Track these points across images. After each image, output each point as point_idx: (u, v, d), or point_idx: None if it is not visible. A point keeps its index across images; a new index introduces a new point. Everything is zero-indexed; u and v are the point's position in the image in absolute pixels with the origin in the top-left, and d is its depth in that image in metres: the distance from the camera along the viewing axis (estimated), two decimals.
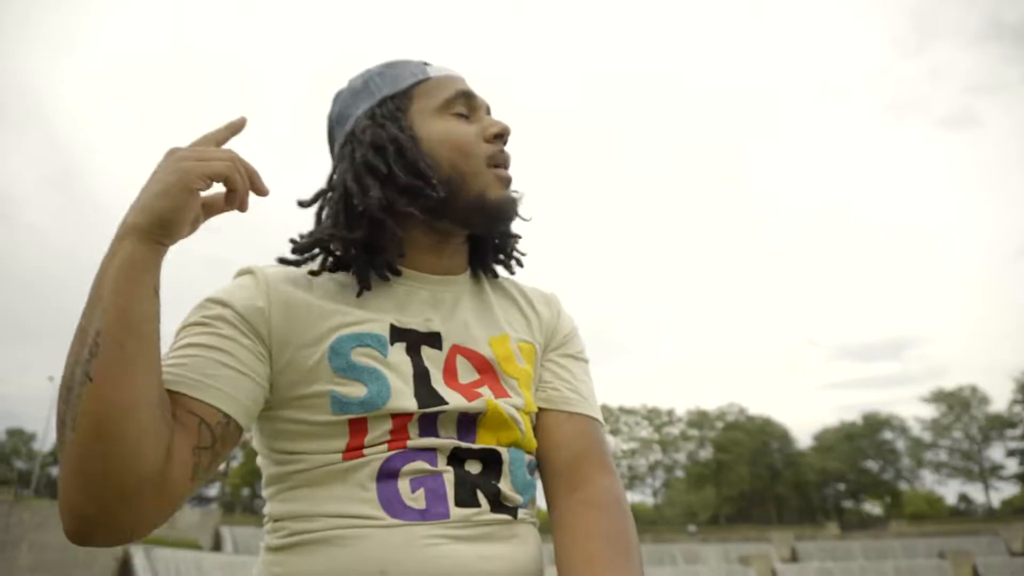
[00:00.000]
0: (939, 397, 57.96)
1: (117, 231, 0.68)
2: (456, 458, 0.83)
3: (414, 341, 0.88)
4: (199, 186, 0.70)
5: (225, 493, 43.81)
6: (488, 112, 0.97)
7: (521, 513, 0.87)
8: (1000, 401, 59.53)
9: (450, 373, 0.89)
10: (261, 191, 0.77)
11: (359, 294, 0.87)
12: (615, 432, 62.51)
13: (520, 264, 1.04)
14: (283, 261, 0.91)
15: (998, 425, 54.86)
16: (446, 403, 0.84)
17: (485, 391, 0.88)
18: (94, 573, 12.67)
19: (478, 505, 0.81)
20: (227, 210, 0.77)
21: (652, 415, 62.72)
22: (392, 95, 0.92)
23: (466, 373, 0.90)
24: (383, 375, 0.82)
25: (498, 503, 0.84)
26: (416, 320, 0.89)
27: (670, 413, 62.55)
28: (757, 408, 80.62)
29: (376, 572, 0.74)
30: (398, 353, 0.85)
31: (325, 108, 1.01)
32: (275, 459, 0.85)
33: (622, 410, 62.77)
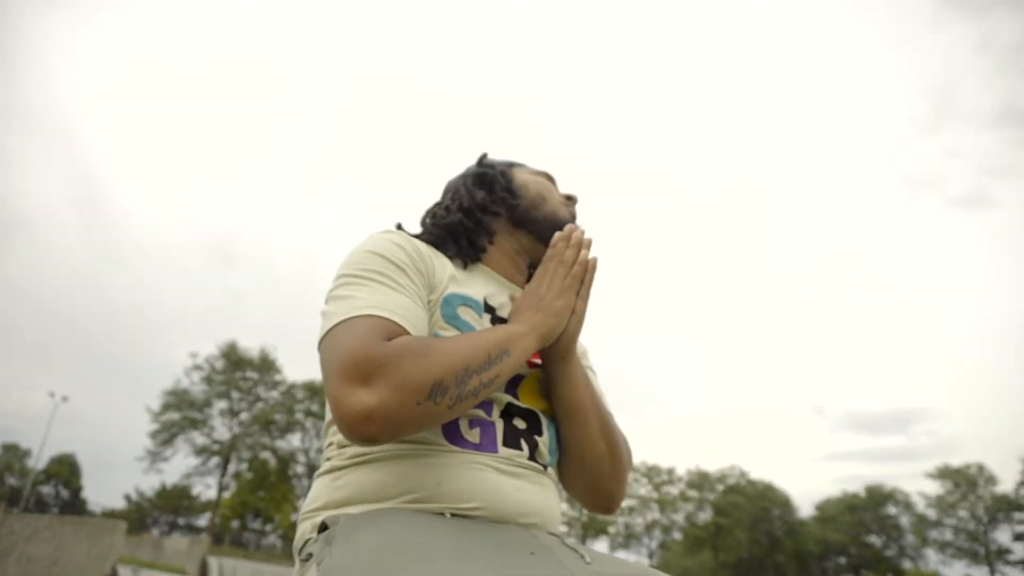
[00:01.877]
0: (945, 473, 56.80)
1: (523, 328, 0.98)
2: (508, 412, 1.01)
3: (497, 318, 1.09)
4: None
5: (215, 524, 43.17)
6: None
7: (549, 471, 1.05)
8: (1008, 482, 58.23)
9: None
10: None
11: (464, 267, 1.14)
12: None
13: None
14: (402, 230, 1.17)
15: (1005, 507, 53.52)
16: None
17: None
18: None
19: (521, 449, 0.99)
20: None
21: (652, 473, 61.69)
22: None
23: None
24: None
25: (534, 455, 1.01)
26: (497, 303, 1.12)
27: (670, 472, 61.51)
28: (759, 472, 79.08)
29: (433, 484, 0.89)
30: (486, 322, 1.06)
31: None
32: None
33: None
